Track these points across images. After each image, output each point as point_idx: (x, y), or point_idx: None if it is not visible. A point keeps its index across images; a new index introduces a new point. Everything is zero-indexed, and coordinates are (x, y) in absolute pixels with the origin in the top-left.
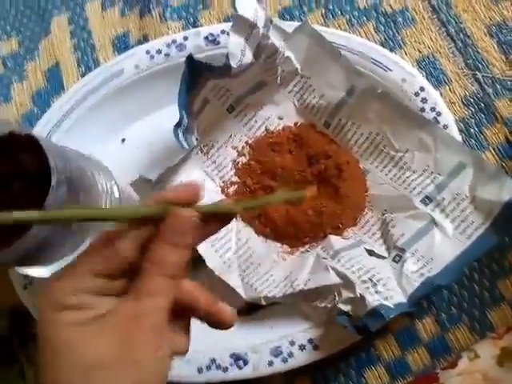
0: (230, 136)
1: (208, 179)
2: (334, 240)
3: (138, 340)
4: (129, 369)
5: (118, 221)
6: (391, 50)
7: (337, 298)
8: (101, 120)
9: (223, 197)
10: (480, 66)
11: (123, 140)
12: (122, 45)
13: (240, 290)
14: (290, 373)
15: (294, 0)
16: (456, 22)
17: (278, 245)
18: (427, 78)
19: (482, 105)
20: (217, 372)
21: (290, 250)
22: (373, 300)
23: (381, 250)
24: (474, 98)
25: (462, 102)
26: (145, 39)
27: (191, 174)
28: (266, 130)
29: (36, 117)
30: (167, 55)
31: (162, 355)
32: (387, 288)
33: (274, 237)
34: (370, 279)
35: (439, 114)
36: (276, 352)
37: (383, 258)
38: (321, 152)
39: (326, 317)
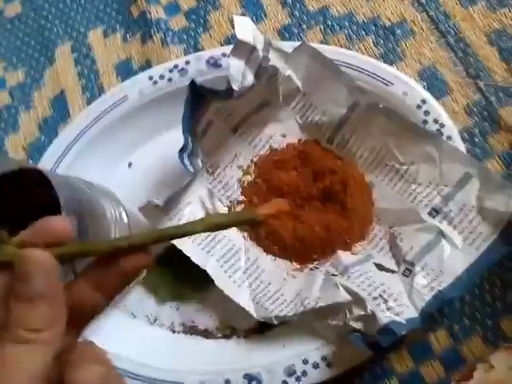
0: (235, 155)
1: (215, 200)
2: (343, 255)
3: None
4: None
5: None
6: (391, 62)
7: (348, 316)
8: (107, 146)
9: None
10: (481, 75)
11: (130, 164)
12: (125, 70)
13: (251, 310)
14: None
15: (293, 18)
16: (455, 32)
17: (288, 262)
18: (429, 89)
19: (486, 113)
20: None
21: (299, 267)
22: (384, 317)
23: (390, 264)
24: (476, 107)
25: (465, 111)
26: (147, 64)
27: (198, 195)
28: (271, 147)
29: (43, 145)
30: (170, 80)
31: None
32: (398, 303)
33: (282, 255)
34: (381, 295)
35: (442, 125)
36: (290, 371)
37: (393, 272)
38: (326, 168)
39: (338, 334)
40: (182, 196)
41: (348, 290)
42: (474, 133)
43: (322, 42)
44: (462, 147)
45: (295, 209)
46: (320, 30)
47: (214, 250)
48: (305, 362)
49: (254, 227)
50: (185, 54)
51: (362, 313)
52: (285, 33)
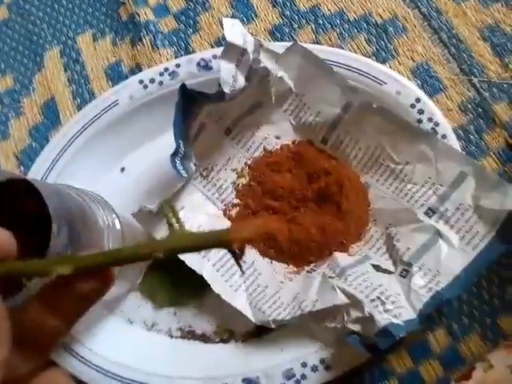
0: (229, 158)
1: (209, 203)
2: (340, 257)
3: None
4: None
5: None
6: (384, 60)
7: (346, 318)
8: (99, 151)
9: (226, 220)
10: (475, 71)
11: (122, 169)
12: (115, 74)
13: (248, 314)
14: None
15: (284, 18)
16: (448, 28)
17: (284, 265)
18: (422, 87)
19: (480, 110)
20: None
21: (296, 269)
22: (382, 319)
23: (387, 264)
24: (471, 104)
25: (460, 108)
26: (137, 67)
27: (192, 199)
28: (264, 149)
29: (35, 151)
30: (160, 83)
31: None
32: (396, 305)
33: (279, 258)
34: (379, 297)
35: (437, 124)
36: (288, 374)
37: (390, 272)
38: (320, 169)
39: (336, 336)
40: (175, 201)
41: (345, 293)
42: (469, 130)
43: (313, 42)
44: (456, 145)
45: (290, 211)
46: (312, 29)
47: (210, 254)
48: (303, 365)
49: (231, 251)
50: (175, 57)
51: (360, 315)
52: (276, 33)
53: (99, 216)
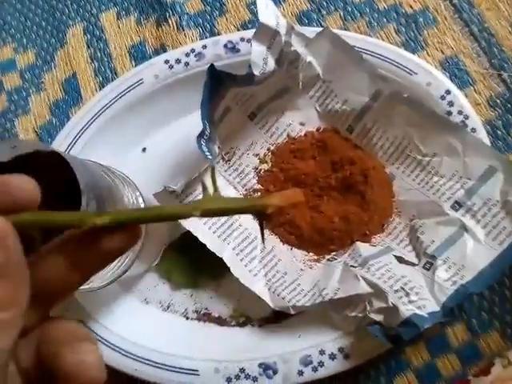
0: (252, 143)
1: (230, 187)
2: (362, 247)
3: None
4: None
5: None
6: (413, 51)
7: (368, 308)
8: (121, 130)
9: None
10: (506, 66)
11: (144, 149)
12: (138, 54)
13: (267, 299)
14: (317, 380)
15: (312, 3)
16: (479, 21)
17: (304, 253)
18: (451, 80)
19: (509, 105)
20: (246, 382)
21: (316, 257)
22: (406, 310)
23: (410, 256)
24: (500, 99)
25: (488, 103)
26: (162, 48)
27: None
28: (288, 136)
29: (55, 128)
30: (186, 64)
31: None
32: (420, 297)
33: (299, 245)
34: (403, 288)
35: (467, 117)
36: (306, 361)
37: (413, 265)
38: (345, 158)
39: (356, 325)
40: (197, 183)
41: (368, 282)
42: (497, 125)
43: (341, 29)
44: (486, 140)
45: (313, 199)
46: (340, 16)
47: (230, 237)
48: (321, 352)
49: (261, 218)
50: (200, 39)
51: (383, 305)
52: (304, 18)
53: (124, 194)
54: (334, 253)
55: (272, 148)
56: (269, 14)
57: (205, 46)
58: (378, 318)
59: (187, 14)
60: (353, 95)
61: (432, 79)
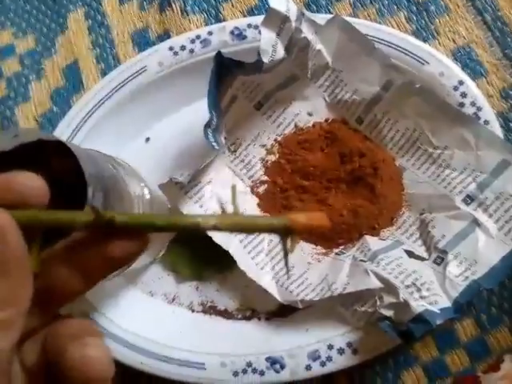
0: (258, 134)
1: (236, 179)
2: (371, 241)
3: None
4: None
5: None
6: (424, 40)
7: (378, 303)
8: (124, 119)
9: (253, 197)
10: None
11: (147, 139)
12: (141, 40)
13: (274, 293)
14: (325, 374)
15: None
16: (493, 10)
17: (312, 246)
18: (463, 70)
19: None
20: (253, 376)
21: (324, 251)
22: (417, 305)
23: (420, 251)
24: None
25: (501, 94)
26: (165, 34)
27: (219, 173)
28: (296, 126)
29: (56, 116)
30: (191, 51)
31: None
32: (432, 292)
33: (307, 238)
34: (414, 283)
35: (480, 108)
36: (314, 356)
37: (423, 259)
38: (355, 149)
39: (365, 320)
40: (202, 174)
41: (379, 277)
42: (510, 118)
43: (351, 16)
44: (499, 132)
45: (321, 191)
46: (349, 2)
47: None
48: (330, 347)
49: (285, 237)
50: (205, 24)
51: (394, 301)
52: (312, 5)
53: (129, 185)
54: (342, 246)
55: (279, 139)
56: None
57: (211, 33)
58: (389, 313)
59: None
60: (363, 85)
61: (445, 69)
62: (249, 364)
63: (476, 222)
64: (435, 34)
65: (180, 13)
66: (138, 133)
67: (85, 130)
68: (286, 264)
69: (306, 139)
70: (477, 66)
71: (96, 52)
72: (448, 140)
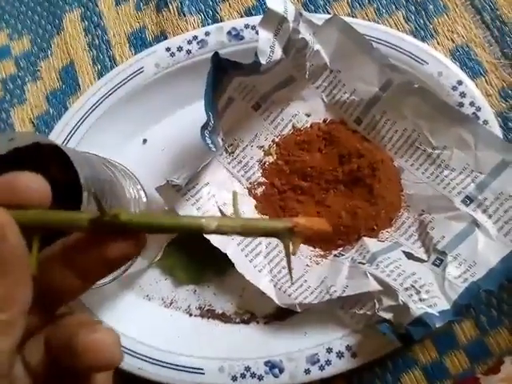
0: (256, 135)
1: (234, 180)
2: (370, 242)
3: None
4: None
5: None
6: (423, 39)
7: (377, 306)
8: (120, 121)
9: (251, 198)
10: None
11: (144, 141)
12: (138, 41)
13: (273, 296)
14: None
15: None
16: (492, 9)
17: (310, 248)
18: (462, 70)
19: None
20: (252, 380)
21: (322, 253)
22: (417, 308)
23: (419, 252)
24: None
25: (500, 94)
26: (162, 35)
27: (216, 175)
28: (294, 127)
29: (52, 118)
30: (188, 52)
31: None
32: (431, 295)
33: (305, 240)
34: (413, 286)
35: (479, 108)
36: (313, 360)
37: (423, 261)
38: (353, 150)
39: (364, 323)
40: (199, 176)
41: (378, 280)
42: (509, 117)
43: (349, 16)
44: (498, 132)
45: (319, 193)
46: (347, 2)
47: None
48: (329, 350)
49: (287, 241)
50: (202, 25)
51: (393, 303)
52: (310, 5)
53: (125, 188)
54: (340, 248)
55: (277, 140)
56: (276, 0)
57: (208, 33)
58: (388, 316)
59: None
60: (361, 85)
61: (444, 69)
62: (247, 368)
63: (475, 223)
64: (434, 34)
65: (177, 13)
66: (135, 134)
67: (81, 132)
68: (289, 268)
69: (304, 140)
70: (476, 66)
71: (92, 53)
72: (447, 140)
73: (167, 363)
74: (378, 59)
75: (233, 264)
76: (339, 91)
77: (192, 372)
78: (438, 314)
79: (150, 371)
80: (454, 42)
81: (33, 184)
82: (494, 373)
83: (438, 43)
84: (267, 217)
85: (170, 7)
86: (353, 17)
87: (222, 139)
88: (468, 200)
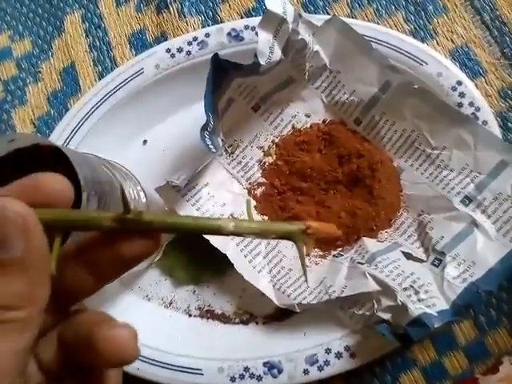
0: (256, 135)
1: (234, 181)
2: (369, 243)
3: None
4: None
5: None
6: (422, 40)
7: (376, 306)
8: (121, 122)
9: (250, 199)
10: None
11: (145, 142)
12: (138, 42)
13: (272, 297)
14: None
15: None
16: (491, 9)
17: None
18: (461, 70)
19: None
20: (251, 381)
21: (322, 253)
22: (415, 308)
23: (418, 252)
24: (511, 90)
25: (499, 94)
26: (162, 36)
27: (216, 176)
28: (293, 128)
29: (53, 119)
30: (188, 53)
31: None
32: (429, 295)
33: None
34: (412, 286)
35: (478, 109)
36: (311, 360)
37: (422, 261)
38: (353, 151)
39: (363, 323)
40: (199, 177)
41: (376, 280)
42: (508, 117)
43: (349, 17)
44: (497, 132)
45: (319, 193)
46: (347, 3)
47: None
48: (328, 351)
49: (300, 243)
50: (202, 26)
51: (392, 304)
52: (309, 6)
53: (126, 188)
54: (340, 249)
55: (276, 140)
56: (276, 1)
57: (208, 34)
58: (386, 316)
59: (189, 0)
60: (361, 86)
61: (443, 69)
62: (246, 369)
63: (474, 223)
64: (433, 34)
65: (177, 15)
66: (136, 135)
67: (82, 133)
68: (304, 268)
69: (303, 140)
70: (475, 66)
71: (93, 54)
72: (446, 141)
73: (166, 364)
74: (378, 60)
75: (232, 264)
76: (339, 92)
77: (191, 372)
78: (436, 315)
79: (149, 372)
80: (453, 42)
81: (58, 185)
82: (493, 373)
83: (438, 44)
84: (266, 217)
85: (171, 8)
86: (352, 18)
87: (222, 140)
88: (467, 200)
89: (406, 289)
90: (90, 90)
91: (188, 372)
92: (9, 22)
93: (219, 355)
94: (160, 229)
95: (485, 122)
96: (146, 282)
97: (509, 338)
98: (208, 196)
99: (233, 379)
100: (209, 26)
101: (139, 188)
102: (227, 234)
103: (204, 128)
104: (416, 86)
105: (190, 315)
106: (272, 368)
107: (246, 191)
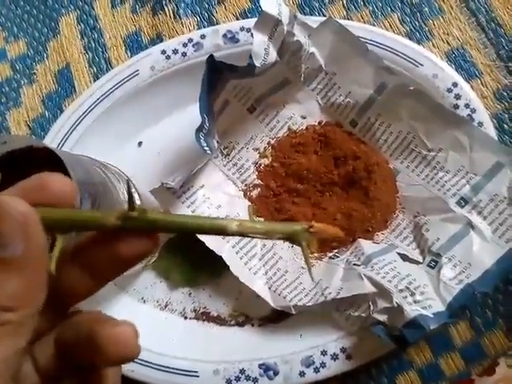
0: (251, 137)
1: (229, 183)
2: (365, 244)
3: None
4: None
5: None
6: (418, 42)
7: (372, 308)
8: (116, 124)
9: (246, 201)
10: None
11: (140, 143)
12: (134, 44)
13: (268, 298)
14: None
15: None
16: (487, 11)
17: None
18: (457, 72)
19: None
20: (246, 383)
21: (317, 255)
22: (411, 310)
23: (414, 254)
24: (507, 92)
25: (495, 96)
26: (158, 37)
27: (212, 177)
28: (289, 129)
29: (48, 121)
30: (184, 55)
31: None
32: (425, 297)
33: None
34: (408, 287)
35: (474, 110)
36: (307, 362)
37: (418, 263)
38: (348, 152)
39: (359, 325)
40: (195, 179)
41: (372, 282)
42: (504, 119)
43: (344, 18)
44: (493, 134)
45: (315, 195)
46: (343, 5)
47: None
48: (323, 353)
49: (302, 240)
50: (198, 28)
51: (388, 305)
52: (305, 7)
53: (119, 190)
54: (335, 250)
55: (272, 142)
56: (271, 2)
57: (203, 36)
58: (382, 318)
59: (184, 1)
60: (356, 88)
61: (439, 71)
62: (242, 371)
63: (470, 225)
64: (429, 36)
65: (173, 16)
66: (131, 137)
67: (77, 135)
68: (309, 268)
69: (299, 142)
70: (471, 68)
71: (88, 56)
72: (442, 142)
73: (162, 366)
74: (374, 61)
75: (228, 266)
76: (334, 94)
77: (187, 375)
78: (432, 316)
79: (144, 374)
80: (449, 44)
81: (63, 185)
82: (489, 374)
83: (434, 45)
84: (262, 219)
85: (166, 10)
86: (348, 19)
87: (218, 142)
88: (463, 202)
89: (401, 290)
90: (85, 91)
91: (184, 374)
92: (3, 24)
93: (215, 357)
94: (163, 227)
95: (480, 124)
96: (142, 284)
97: (505, 340)
98: (203, 198)
99: (228, 381)
100: (204, 27)
101: (133, 190)
102: (231, 234)
103: (199, 130)
104: (412, 88)
105: (185, 317)
106: (268, 370)
107: (242, 193)
